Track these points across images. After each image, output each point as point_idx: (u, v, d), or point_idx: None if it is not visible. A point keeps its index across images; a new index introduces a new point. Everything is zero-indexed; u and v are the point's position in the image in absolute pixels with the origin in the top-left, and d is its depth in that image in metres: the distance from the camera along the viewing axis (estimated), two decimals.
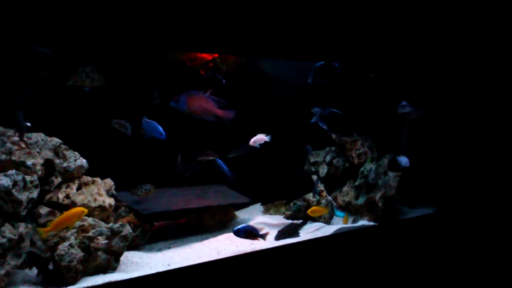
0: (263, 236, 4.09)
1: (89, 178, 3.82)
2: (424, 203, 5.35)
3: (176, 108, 3.88)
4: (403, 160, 4.88)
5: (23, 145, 3.46)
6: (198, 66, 4.49)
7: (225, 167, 4.32)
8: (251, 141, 4.38)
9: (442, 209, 5.19)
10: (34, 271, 3.23)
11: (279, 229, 4.35)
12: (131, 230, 3.48)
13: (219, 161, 4.31)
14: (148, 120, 4.01)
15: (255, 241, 4.04)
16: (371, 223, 4.75)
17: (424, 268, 4.81)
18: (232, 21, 3.71)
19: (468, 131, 5.09)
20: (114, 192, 3.96)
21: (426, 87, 5.29)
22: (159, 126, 4.01)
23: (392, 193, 4.78)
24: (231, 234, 4.30)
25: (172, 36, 3.46)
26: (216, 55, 4.56)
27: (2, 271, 3.00)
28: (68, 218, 3.28)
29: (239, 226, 4.01)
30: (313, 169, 5.32)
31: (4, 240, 3.05)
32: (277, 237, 4.23)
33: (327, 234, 4.42)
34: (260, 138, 4.39)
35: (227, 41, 3.76)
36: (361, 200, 4.96)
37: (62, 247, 3.14)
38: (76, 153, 3.75)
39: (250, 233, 4.02)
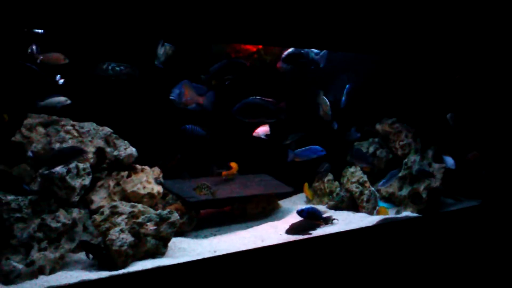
0: (326, 220, 4.19)
1: (138, 166, 3.94)
2: (469, 195, 5.28)
3: (176, 102, 3.91)
4: (449, 161, 4.83)
5: (76, 134, 3.60)
6: (243, 58, 4.54)
7: (198, 129, 4.16)
8: (255, 133, 4.45)
9: (487, 201, 5.11)
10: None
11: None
12: (178, 217, 3.57)
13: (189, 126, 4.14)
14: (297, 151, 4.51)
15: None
16: (415, 215, 4.72)
17: (468, 261, 4.75)
18: (277, 12, 3.73)
19: None
20: (161, 180, 4.06)
21: (475, 78, 5.22)
22: (312, 147, 4.51)
23: (437, 184, 4.75)
24: (275, 222, 4.39)
25: (218, 28, 3.51)
26: (261, 46, 4.59)
27: (57, 254, 3.15)
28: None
29: (303, 207, 4.17)
30: (356, 160, 5.31)
31: (58, 224, 3.20)
32: (288, 231, 4.22)
33: (370, 224, 4.44)
34: (264, 130, 4.45)
35: (272, 33, 3.79)
36: (404, 191, 4.94)
37: (113, 232, 3.25)
38: (126, 142, 3.88)
39: (313, 214, 4.14)
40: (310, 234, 4.06)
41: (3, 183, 3.10)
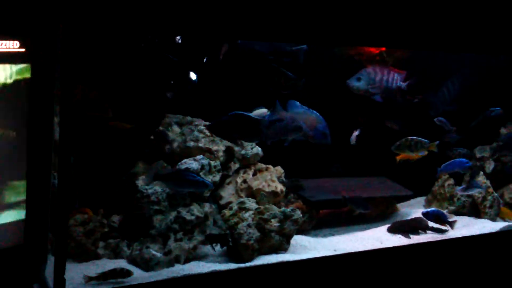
0: (451, 224, 4.18)
1: (263, 165, 4.13)
2: None
3: None
4: None
5: (208, 134, 3.84)
6: (365, 60, 4.58)
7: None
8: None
9: None
10: (216, 247, 3.56)
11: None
12: (301, 215, 3.70)
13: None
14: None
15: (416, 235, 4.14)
16: None
17: None
18: (399, 14, 3.75)
19: None
20: (284, 179, 4.21)
21: None
22: (457, 160, 4.58)
23: None
24: None
25: (341, 31, 3.59)
26: (383, 48, 4.60)
27: (191, 245, 3.40)
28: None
29: (428, 209, 4.23)
30: (478, 164, 5.17)
31: (192, 217, 3.46)
32: (390, 229, 4.23)
33: (493, 231, 4.37)
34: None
35: (394, 35, 3.81)
36: None
37: (241, 227, 3.44)
38: None
39: (439, 217, 4.16)
40: (416, 235, 4.13)
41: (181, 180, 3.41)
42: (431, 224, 4.23)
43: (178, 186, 3.42)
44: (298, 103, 3.78)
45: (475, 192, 4.65)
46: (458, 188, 4.64)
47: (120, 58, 3.72)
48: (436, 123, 4.73)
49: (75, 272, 2.99)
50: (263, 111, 3.92)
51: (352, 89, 4.05)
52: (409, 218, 4.58)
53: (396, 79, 4.09)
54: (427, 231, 4.22)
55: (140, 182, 3.50)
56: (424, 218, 4.23)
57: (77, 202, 3.33)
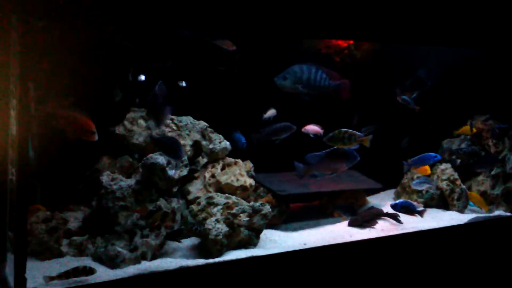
0: (420, 213, 4.29)
1: (231, 160, 4.08)
2: None
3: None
4: None
5: (175, 127, 3.78)
6: (333, 53, 4.58)
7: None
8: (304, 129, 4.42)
9: None
10: (185, 243, 3.51)
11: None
12: (270, 209, 3.67)
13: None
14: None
15: (386, 228, 4.17)
16: (508, 214, 4.65)
17: None
18: (368, 6, 3.75)
19: None
20: (253, 173, 4.18)
21: None
22: (426, 154, 4.62)
23: None
24: None
25: (309, 23, 3.57)
26: (351, 41, 4.60)
27: (158, 242, 3.33)
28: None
29: (396, 201, 4.34)
30: (446, 157, 5.21)
31: (159, 213, 3.37)
32: (351, 222, 4.24)
33: (461, 222, 4.40)
34: (312, 128, 4.42)
35: (363, 28, 3.81)
36: (497, 190, 4.87)
37: (210, 222, 3.39)
38: (220, 135, 4.03)
39: (408, 208, 4.28)
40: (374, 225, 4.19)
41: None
42: (386, 210, 4.35)
43: None
44: (315, 153, 4.02)
45: (425, 187, 4.72)
46: (413, 182, 4.69)
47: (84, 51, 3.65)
48: (400, 102, 4.74)
49: (38, 271, 2.90)
50: (272, 112, 4.24)
51: (279, 87, 3.99)
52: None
53: (324, 78, 4.01)
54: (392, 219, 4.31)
55: (104, 178, 3.41)
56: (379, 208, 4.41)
57: (39, 198, 3.27)
